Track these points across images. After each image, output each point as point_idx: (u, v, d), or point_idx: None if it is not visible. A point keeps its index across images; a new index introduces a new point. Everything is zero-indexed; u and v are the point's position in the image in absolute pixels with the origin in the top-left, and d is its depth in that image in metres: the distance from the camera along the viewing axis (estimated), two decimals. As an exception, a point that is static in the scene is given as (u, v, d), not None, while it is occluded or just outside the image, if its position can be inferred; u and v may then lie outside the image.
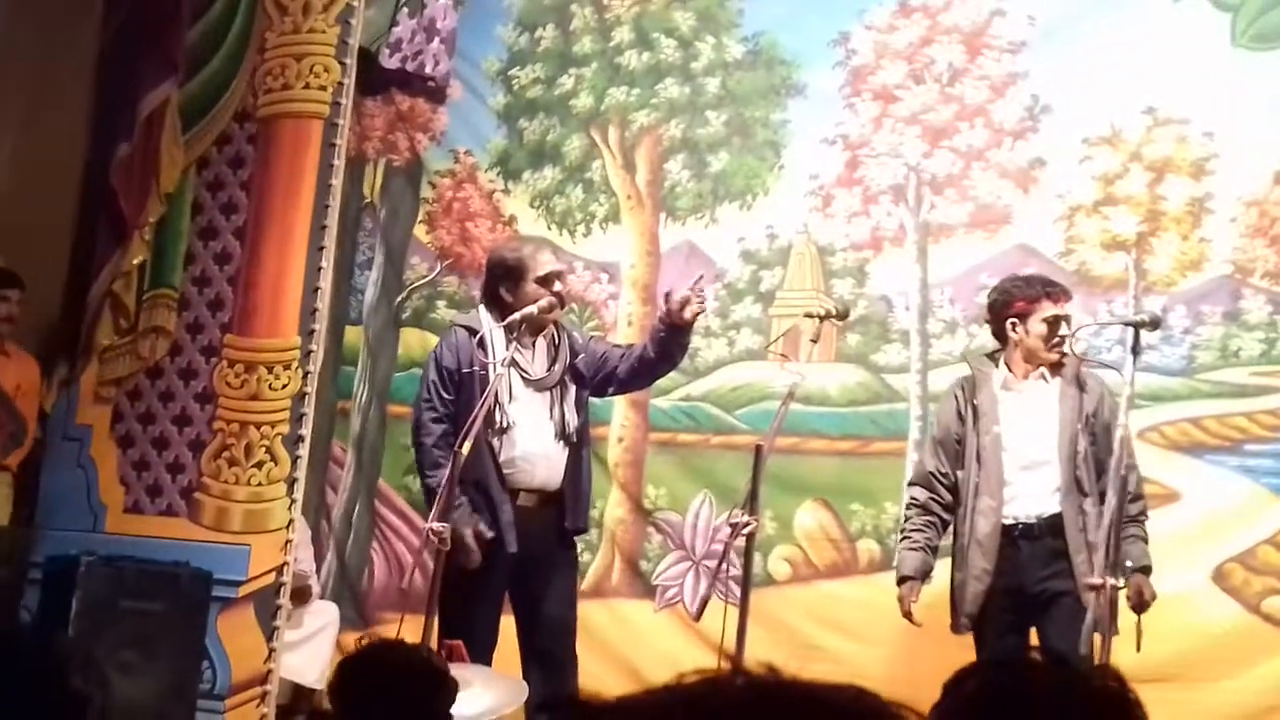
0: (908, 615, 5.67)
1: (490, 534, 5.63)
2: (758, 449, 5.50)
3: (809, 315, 6.03)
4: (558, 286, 5.84)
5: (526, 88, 7.76)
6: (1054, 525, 5.51)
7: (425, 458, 5.75)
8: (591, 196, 7.55)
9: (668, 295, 5.84)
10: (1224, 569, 6.11)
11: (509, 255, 5.96)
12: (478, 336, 5.78)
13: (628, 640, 6.97)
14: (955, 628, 5.62)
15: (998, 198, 6.78)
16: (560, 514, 5.82)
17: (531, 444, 5.76)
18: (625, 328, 7.36)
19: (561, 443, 5.82)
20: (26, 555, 6.93)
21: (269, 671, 6.56)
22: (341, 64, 7.00)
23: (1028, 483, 5.58)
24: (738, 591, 5.49)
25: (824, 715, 0.90)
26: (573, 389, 5.87)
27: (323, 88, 6.98)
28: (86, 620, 6.13)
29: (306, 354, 6.80)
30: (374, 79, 7.76)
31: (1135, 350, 5.25)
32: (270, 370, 6.84)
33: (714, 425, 7.15)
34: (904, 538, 5.82)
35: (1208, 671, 6.00)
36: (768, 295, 7.16)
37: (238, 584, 6.66)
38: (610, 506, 7.16)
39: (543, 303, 5.74)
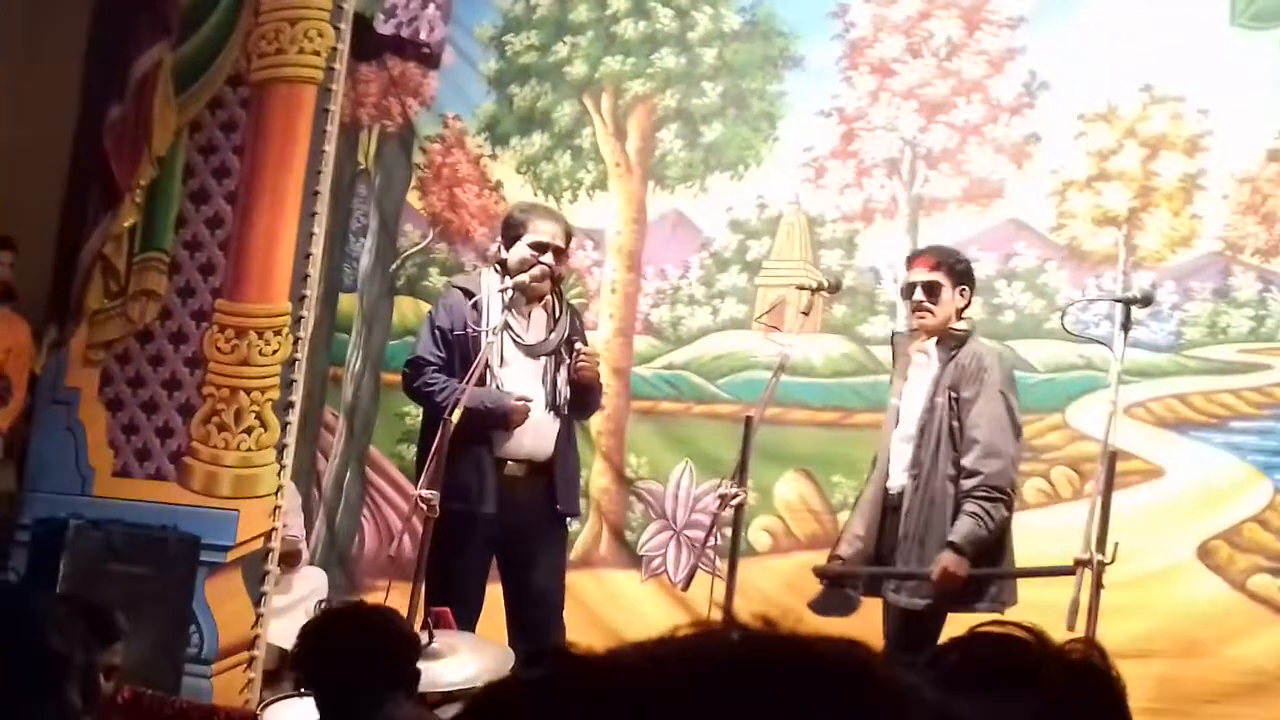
0: None
1: (530, 399, 5.67)
2: (748, 420, 5.50)
3: (800, 287, 6.03)
4: (548, 257, 5.81)
5: (520, 54, 7.72)
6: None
7: (436, 394, 5.67)
8: (580, 163, 7.53)
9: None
10: (1209, 546, 6.12)
11: (516, 213, 6.03)
12: (473, 300, 5.77)
13: (615, 610, 6.97)
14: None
15: (991, 172, 6.78)
16: (549, 486, 5.81)
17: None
18: (609, 295, 7.35)
19: (552, 413, 5.81)
20: (15, 518, 6.93)
21: (256, 637, 6.57)
22: (336, 29, 6.96)
23: (902, 455, 5.59)
24: (721, 563, 5.50)
25: (817, 668, 0.90)
26: (568, 361, 5.86)
27: (317, 53, 6.95)
28: (74, 583, 6.14)
29: (298, 320, 6.79)
30: (369, 45, 7.74)
31: (1126, 326, 5.27)
32: (261, 336, 6.82)
33: (696, 394, 7.15)
34: None
35: (1191, 648, 6.02)
36: (754, 265, 7.15)
37: (226, 549, 6.67)
38: (594, 476, 7.15)
39: (535, 271, 5.73)
